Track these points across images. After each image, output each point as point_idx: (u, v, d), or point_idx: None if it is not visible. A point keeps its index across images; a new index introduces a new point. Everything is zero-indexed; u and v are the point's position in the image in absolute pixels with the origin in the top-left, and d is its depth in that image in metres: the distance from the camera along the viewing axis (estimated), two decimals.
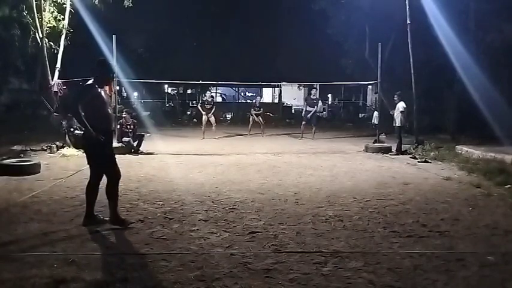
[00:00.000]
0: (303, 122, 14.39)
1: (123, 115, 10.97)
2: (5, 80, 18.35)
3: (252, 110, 15.59)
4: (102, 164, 4.53)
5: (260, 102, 17.51)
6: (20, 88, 20.94)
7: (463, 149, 10.28)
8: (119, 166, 4.64)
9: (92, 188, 4.56)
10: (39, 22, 12.57)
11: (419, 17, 12.31)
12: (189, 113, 23.85)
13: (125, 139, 10.41)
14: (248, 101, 31.17)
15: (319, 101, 25.72)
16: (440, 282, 3.28)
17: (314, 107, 14.28)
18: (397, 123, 10.84)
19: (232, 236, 4.28)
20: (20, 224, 4.59)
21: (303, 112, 14.75)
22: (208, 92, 14.64)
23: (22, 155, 9.00)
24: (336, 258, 3.73)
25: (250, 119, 15.47)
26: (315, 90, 14.88)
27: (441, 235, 4.39)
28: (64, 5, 13.25)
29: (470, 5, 13.60)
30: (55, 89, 13.40)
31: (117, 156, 10.53)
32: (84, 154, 4.76)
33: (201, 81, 19.92)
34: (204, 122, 13.86)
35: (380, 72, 12.31)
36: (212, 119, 13.86)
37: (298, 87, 27.38)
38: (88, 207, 4.57)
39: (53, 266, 3.45)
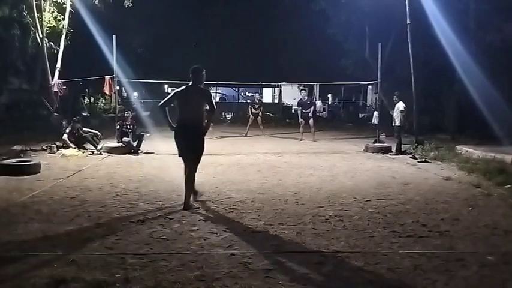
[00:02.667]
0: (301, 124, 13.86)
1: (125, 114, 10.97)
2: (5, 80, 18.36)
3: (251, 107, 15.36)
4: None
5: (260, 100, 16.67)
6: (20, 88, 20.94)
7: (463, 149, 10.27)
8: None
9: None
10: (39, 22, 12.59)
11: (419, 17, 12.31)
12: None
13: (125, 139, 10.41)
14: (248, 100, 31.17)
15: (318, 101, 25.78)
16: (440, 282, 3.27)
17: (309, 109, 13.84)
18: (397, 123, 10.84)
19: (232, 236, 4.28)
20: (20, 224, 4.58)
21: (299, 114, 13.99)
22: None
23: (22, 155, 9.00)
24: (336, 258, 3.73)
25: (250, 119, 15.36)
26: (304, 91, 14.34)
27: (441, 235, 4.39)
28: (64, 5, 13.28)
29: (470, 4, 13.58)
30: (55, 89, 13.40)
31: (117, 156, 10.48)
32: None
33: None
34: None
35: (380, 72, 12.31)
36: None
37: (298, 87, 27.37)
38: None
39: (53, 266, 3.45)
